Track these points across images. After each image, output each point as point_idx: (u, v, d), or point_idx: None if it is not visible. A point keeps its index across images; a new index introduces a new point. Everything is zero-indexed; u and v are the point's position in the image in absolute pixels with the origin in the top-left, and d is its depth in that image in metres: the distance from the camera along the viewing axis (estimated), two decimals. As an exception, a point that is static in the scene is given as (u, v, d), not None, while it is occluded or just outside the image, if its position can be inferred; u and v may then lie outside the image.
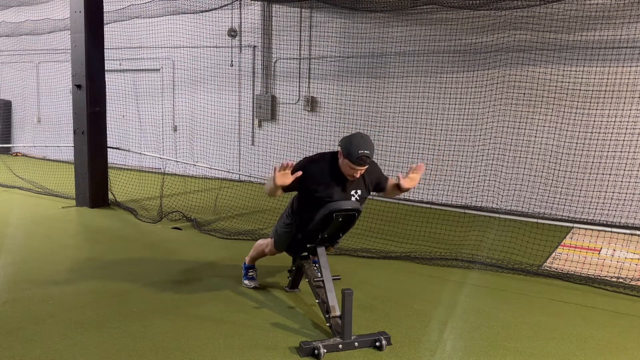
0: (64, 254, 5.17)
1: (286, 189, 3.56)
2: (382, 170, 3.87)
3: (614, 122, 6.74)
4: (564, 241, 6.01)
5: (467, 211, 6.66)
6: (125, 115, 10.85)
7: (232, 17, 9.52)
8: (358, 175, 3.48)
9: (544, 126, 7.13)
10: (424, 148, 7.87)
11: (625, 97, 6.71)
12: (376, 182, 3.74)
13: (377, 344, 3.28)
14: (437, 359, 3.20)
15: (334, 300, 3.46)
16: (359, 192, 3.61)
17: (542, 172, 7.15)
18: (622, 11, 6.53)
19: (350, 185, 3.57)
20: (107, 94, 7.36)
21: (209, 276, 4.60)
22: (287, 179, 3.44)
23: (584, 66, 6.83)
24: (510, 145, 7.29)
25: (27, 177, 9.29)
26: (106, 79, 7.31)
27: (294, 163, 3.50)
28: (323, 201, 3.52)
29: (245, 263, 4.37)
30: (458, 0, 6.84)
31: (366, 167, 3.44)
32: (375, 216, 6.38)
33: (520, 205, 7.30)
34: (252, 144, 9.92)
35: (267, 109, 9.63)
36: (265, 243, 4.16)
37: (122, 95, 10.20)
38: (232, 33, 9.56)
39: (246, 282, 4.32)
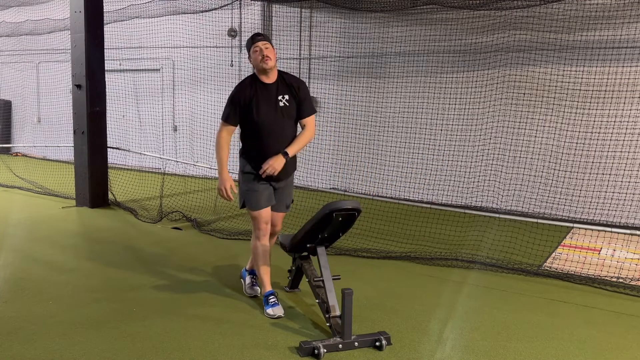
0: (63, 253, 5.18)
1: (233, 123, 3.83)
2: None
3: (614, 122, 6.73)
4: (564, 241, 6.01)
5: (467, 211, 6.65)
6: (125, 115, 10.84)
7: (232, 17, 9.52)
8: (267, 54, 3.66)
9: (544, 126, 7.13)
10: (424, 148, 7.87)
11: (625, 97, 6.70)
12: (302, 99, 3.85)
13: (377, 343, 3.28)
14: (437, 359, 3.20)
15: (334, 300, 3.46)
16: (286, 96, 3.80)
17: (542, 172, 7.15)
18: (622, 11, 6.53)
19: (276, 93, 3.77)
20: (107, 94, 7.36)
21: (209, 276, 4.60)
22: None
23: (584, 66, 6.83)
24: (510, 145, 7.28)
25: (27, 177, 9.29)
26: (106, 79, 7.31)
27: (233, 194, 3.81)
28: (259, 123, 3.71)
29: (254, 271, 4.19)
30: (458, 0, 6.84)
31: (266, 42, 3.70)
32: (375, 216, 6.38)
33: (520, 205, 7.30)
34: (252, 144, 9.90)
35: (267, 109, 9.60)
36: (253, 241, 3.97)
37: (122, 95, 10.19)
38: (232, 33, 9.56)
39: (248, 289, 4.20)
